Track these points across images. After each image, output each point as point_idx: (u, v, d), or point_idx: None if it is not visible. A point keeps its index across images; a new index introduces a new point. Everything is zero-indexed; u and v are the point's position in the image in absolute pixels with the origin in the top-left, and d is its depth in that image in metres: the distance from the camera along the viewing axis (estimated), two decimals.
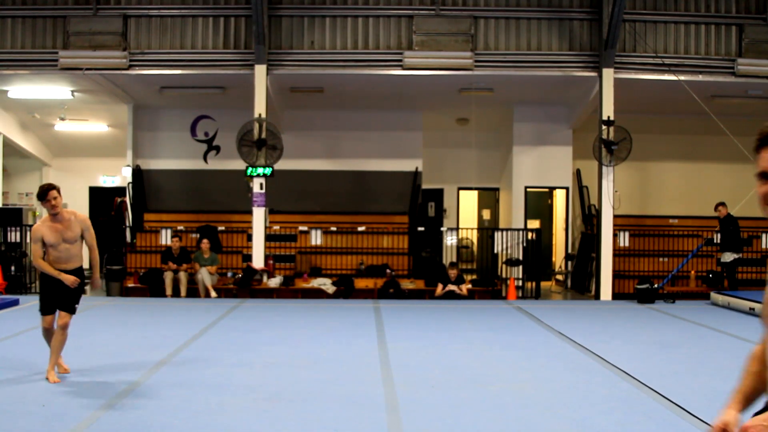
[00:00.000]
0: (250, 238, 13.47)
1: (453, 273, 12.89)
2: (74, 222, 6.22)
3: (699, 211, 15.01)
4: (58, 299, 6.28)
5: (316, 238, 13.90)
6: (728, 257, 13.06)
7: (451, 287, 12.67)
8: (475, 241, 17.18)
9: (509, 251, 13.95)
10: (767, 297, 1.92)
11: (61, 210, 6.16)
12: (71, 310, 6.31)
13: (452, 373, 6.69)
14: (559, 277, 16.12)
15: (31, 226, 13.53)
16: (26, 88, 14.05)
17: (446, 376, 6.58)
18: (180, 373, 6.53)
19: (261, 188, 12.85)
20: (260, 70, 12.66)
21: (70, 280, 6.16)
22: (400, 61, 12.89)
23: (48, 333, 6.34)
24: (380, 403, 5.57)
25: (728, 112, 14.10)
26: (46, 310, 6.30)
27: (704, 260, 14.26)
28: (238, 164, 13.36)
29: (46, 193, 6.05)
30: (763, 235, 14.05)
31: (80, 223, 6.26)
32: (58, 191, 6.13)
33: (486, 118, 15.62)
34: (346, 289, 13.08)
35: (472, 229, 16.43)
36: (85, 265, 6.58)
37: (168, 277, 12.68)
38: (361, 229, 14.45)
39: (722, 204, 13.23)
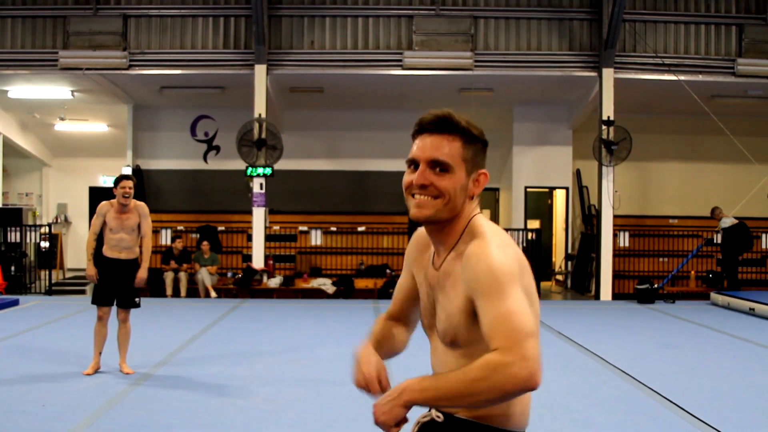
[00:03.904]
0: (250, 238, 13.46)
1: None
2: (134, 211, 6.41)
3: (699, 211, 14.99)
4: (114, 291, 6.39)
5: (316, 239, 13.90)
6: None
7: None
8: None
9: None
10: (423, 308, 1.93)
11: (130, 202, 6.39)
12: (128, 305, 6.44)
13: None
14: (559, 277, 16.11)
15: (31, 226, 13.66)
16: (26, 88, 14.04)
17: None
18: (180, 373, 6.54)
19: (261, 188, 12.85)
20: (260, 70, 12.65)
21: (92, 272, 6.31)
22: (400, 61, 12.89)
23: (100, 325, 6.36)
24: None
25: (728, 112, 14.07)
26: (98, 300, 6.40)
27: (704, 260, 14.26)
28: (238, 164, 13.35)
29: (119, 180, 6.37)
30: (763, 236, 14.04)
31: (138, 209, 6.43)
32: (134, 185, 6.44)
33: (486, 118, 15.59)
34: (346, 290, 13.08)
35: None
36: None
37: (168, 277, 12.69)
38: (361, 229, 14.44)
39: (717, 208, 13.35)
